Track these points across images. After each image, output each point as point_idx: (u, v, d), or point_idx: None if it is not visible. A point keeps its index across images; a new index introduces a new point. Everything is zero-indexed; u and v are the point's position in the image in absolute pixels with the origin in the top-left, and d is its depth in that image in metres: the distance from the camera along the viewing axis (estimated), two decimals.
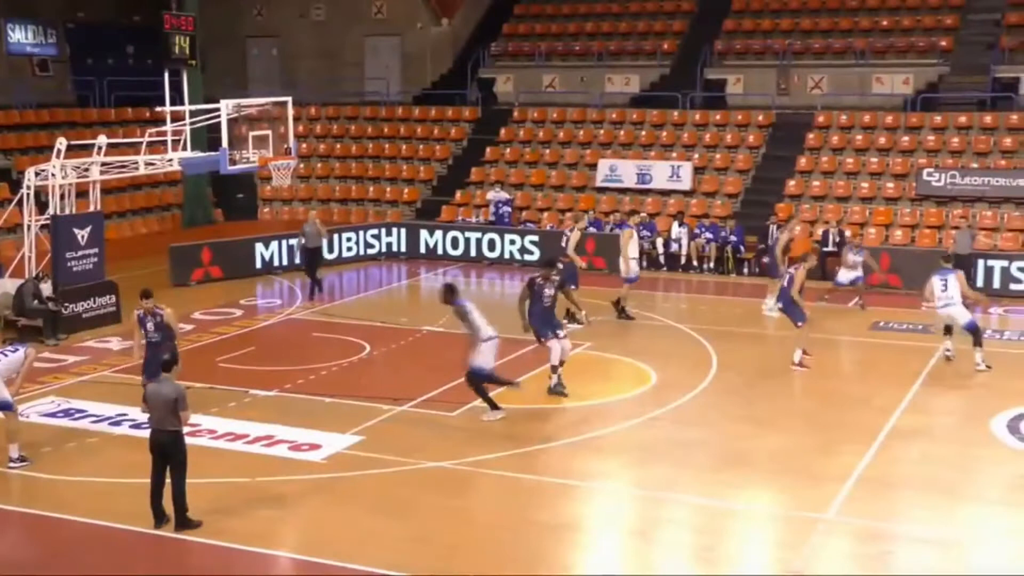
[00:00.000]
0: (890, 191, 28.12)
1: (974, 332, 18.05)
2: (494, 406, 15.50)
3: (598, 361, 18.74)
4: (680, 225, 27.36)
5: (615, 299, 21.65)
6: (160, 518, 11.92)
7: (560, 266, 17.98)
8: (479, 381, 15.46)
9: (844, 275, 22.99)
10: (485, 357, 15.42)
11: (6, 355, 14.10)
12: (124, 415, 15.55)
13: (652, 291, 24.33)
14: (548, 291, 16.76)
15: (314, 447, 14.37)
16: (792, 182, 28.98)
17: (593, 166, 30.84)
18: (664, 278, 26.21)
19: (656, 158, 30.48)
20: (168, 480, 11.89)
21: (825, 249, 25.66)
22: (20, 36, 32.45)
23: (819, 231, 26.62)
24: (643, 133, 31.59)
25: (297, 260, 25.27)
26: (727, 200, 29.16)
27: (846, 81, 31.76)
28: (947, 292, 18.03)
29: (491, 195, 29.92)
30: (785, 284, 18.46)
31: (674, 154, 30.59)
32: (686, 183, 29.54)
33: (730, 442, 14.94)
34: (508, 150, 32.47)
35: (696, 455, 14.43)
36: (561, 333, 16.74)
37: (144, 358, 15.33)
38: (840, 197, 28.36)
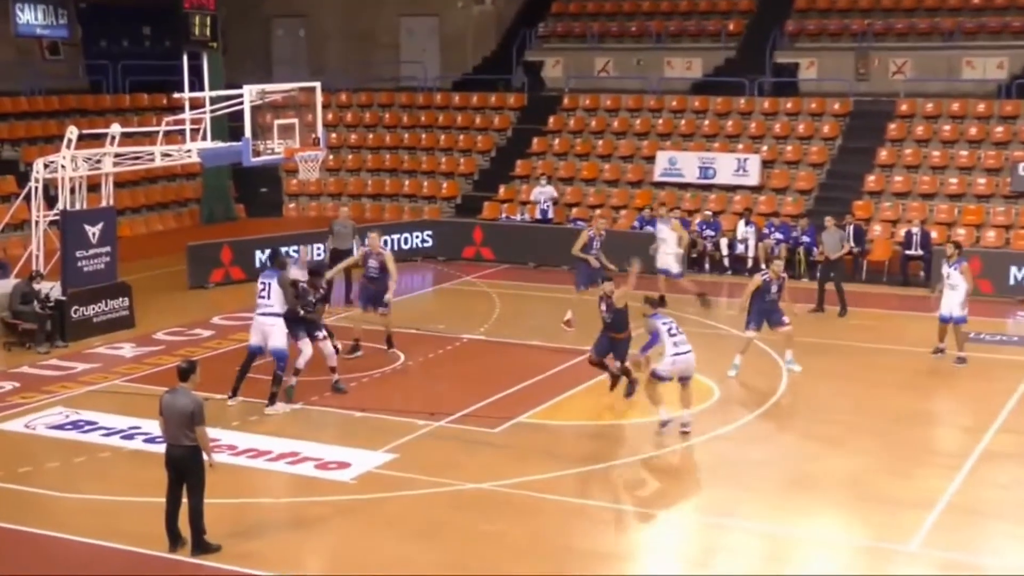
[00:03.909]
0: (981, 187, 27.85)
1: None
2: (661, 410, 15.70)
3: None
4: (747, 224, 27.26)
5: (698, 293, 22.57)
6: (175, 540, 12.05)
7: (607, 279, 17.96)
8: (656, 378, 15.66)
9: (952, 304, 19.37)
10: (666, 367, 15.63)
11: None
12: (137, 428, 15.74)
13: (715, 296, 24.22)
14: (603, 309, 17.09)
15: (343, 466, 14.47)
16: (871, 177, 28.79)
17: (651, 159, 30.79)
18: (729, 282, 26.10)
19: (720, 150, 30.38)
20: (184, 500, 12.02)
21: (908, 252, 25.46)
22: (29, 16, 32.88)
23: (901, 232, 26.42)
24: (706, 123, 31.51)
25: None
26: (799, 197, 29.01)
27: (932, 65, 31.49)
28: None
29: (537, 190, 29.96)
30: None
31: (740, 146, 30.48)
32: (753, 178, 29.43)
33: (800, 463, 14.88)
34: (557, 141, 32.50)
35: (762, 477, 14.37)
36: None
37: (361, 287, 19.45)
38: (925, 194, 28.12)
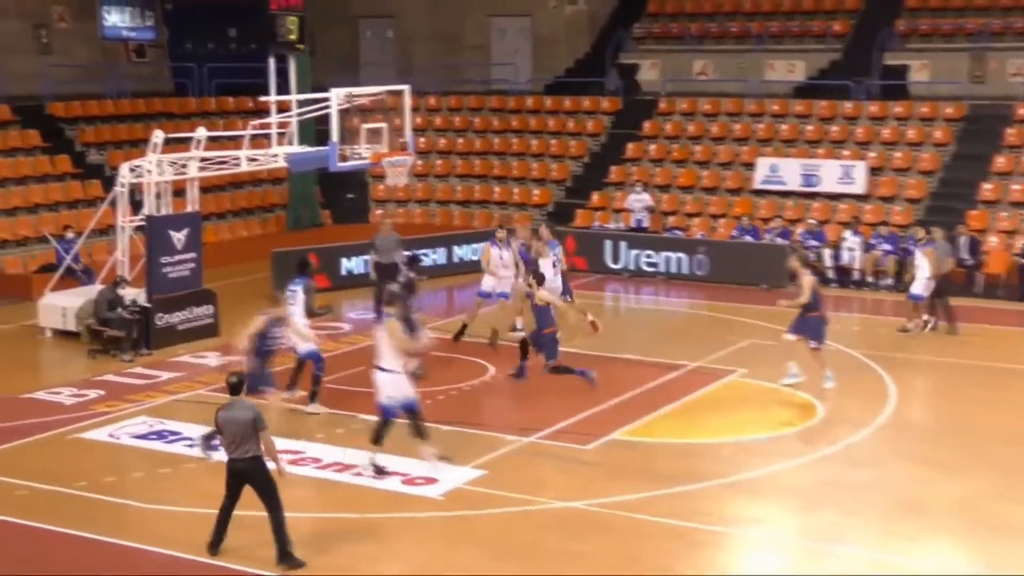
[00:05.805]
0: None
1: None
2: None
3: (754, 390, 18.59)
4: (853, 234, 26.96)
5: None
6: (217, 544, 12.37)
7: None
8: None
9: None
10: None
11: None
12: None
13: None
14: None
15: (430, 481, 14.58)
16: (987, 186, 28.29)
17: (751, 165, 30.60)
18: (833, 295, 25.78)
19: (825, 156, 30.08)
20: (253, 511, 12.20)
21: None
22: (116, 19, 33.62)
23: (1019, 243, 25.94)
24: (809, 128, 31.22)
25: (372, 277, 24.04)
26: (908, 206, 28.62)
27: None
28: None
29: (632, 198, 29.92)
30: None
31: (846, 152, 30.16)
32: (860, 186, 29.10)
33: (908, 487, 14.69)
34: (653, 146, 32.42)
35: (868, 501, 14.21)
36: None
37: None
38: None
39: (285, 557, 12.20)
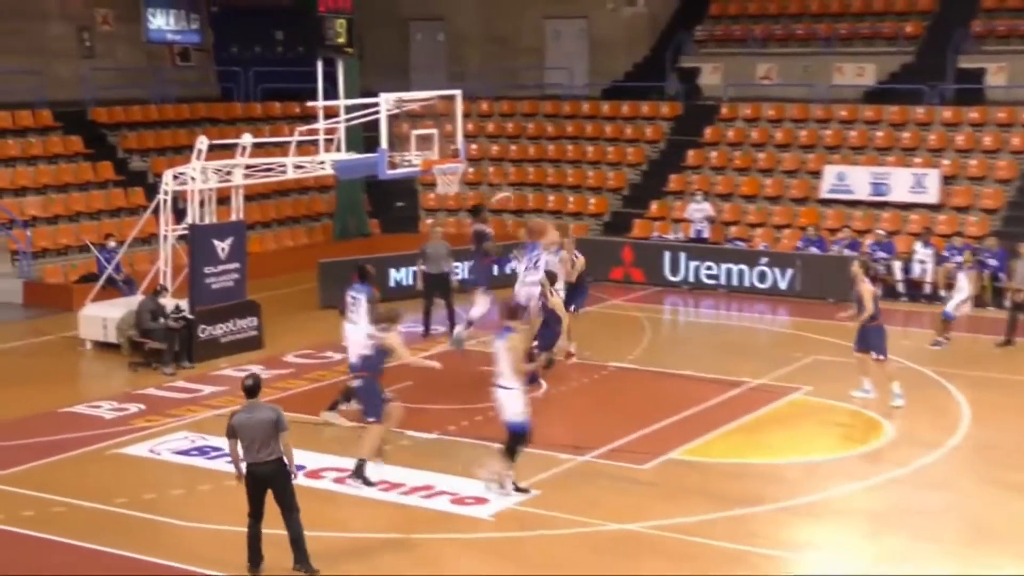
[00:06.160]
0: None
1: None
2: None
3: (819, 409, 18.48)
4: (925, 246, 26.73)
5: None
6: (258, 562, 12.45)
7: None
8: None
9: None
10: None
11: None
12: None
13: (890, 325, 23.72)
14: None
15: (480, 501, 14.61)
16: None
17: (817, 174, 30.44)
18: (904, 310, 25.63)
19: (895, 164, 29.87)
20: (281, 523, 12.33)
21: None
22: (161, 22, 34.05)
23: None
24: (879, 134, 31.02)
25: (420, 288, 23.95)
26: (984, 216, 28.35)
27: None
28: None
29: (692, 207, 29.85)
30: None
31: (918, 160, 29.93)
32: (933, 195, 28.86)
33: (983, 511, 14.56)
34: (714, 154, 32.34)
35: (941, 526, 14.11)
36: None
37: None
38: None
39: (303, 561, 12.34)
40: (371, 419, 15.12)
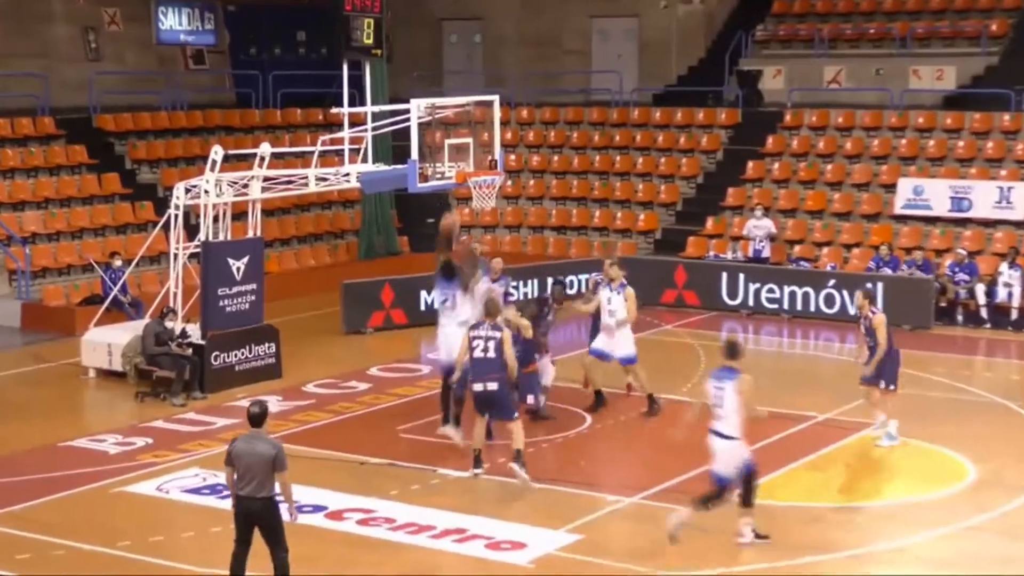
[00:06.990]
0: None
1: None
2: None
3: (897, 449, 18.30)
4: (1011, 267, 26.55)
5: None
6: None
7: None
8: None
9: None
10: None
11: None
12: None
13: (970, 355, 23.67)
14: None
15: (518, 546, 14.53)
16: None
17: (891, 187, 30.31)
18: (988, 337, 25.45)
19: (978, 177, 29.72)
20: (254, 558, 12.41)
21: None
22: (173, 22, 34.28)
23: None
24: (960, 144, 30.87)
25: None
26: None
27: None
28: None
29: (752, 224, 29.76)
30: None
31: (1003, 172, 29.77)
32: (1020, 211, 28.69)
33: None
34: (777, 165, 32.27)
35: None
36: None
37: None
38: None
39: None
40: (514, 416, 16.52)
